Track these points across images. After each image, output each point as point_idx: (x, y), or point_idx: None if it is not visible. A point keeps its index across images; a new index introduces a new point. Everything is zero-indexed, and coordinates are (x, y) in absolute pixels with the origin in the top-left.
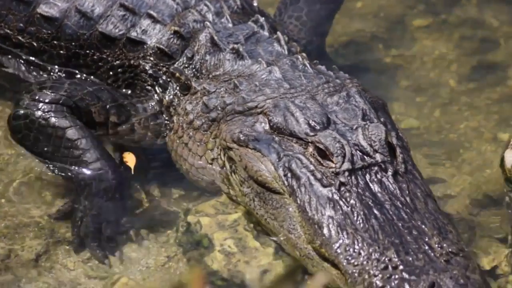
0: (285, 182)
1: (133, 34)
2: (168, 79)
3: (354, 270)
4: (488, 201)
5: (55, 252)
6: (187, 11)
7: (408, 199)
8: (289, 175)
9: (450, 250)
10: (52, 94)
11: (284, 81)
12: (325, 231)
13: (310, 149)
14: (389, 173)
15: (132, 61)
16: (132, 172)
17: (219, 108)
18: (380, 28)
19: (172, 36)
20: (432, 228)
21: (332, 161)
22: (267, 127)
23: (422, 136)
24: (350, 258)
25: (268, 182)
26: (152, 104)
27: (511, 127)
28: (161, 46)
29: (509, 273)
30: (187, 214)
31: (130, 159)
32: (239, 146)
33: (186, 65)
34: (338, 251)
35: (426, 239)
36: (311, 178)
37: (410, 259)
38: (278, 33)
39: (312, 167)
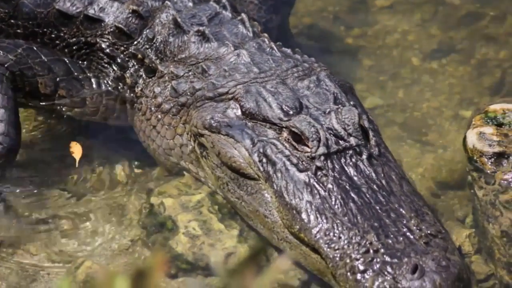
0: (261, 168)
1: (90, 11)
2: (127, 59)
3: (335, 255)
4: (451, 181)
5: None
6: None
7: (384, 182)
8: (264, 160)
9: (428, 232)
10: (2, 55)
11: (253, 65)
12: (304, 216)
13: (285, 134)
14: (364, 156)
15: (89, 39)
16: (77, 165)
17: (189, 93)
18: (343, 8)
19: (130, 15)
20: (409, 211)
21: (308, 146)
22: (239, 112)
23: (385, 116)
24: (330, 243)
25: (242, 168)
26: (108, 81)
27: (474, 106)
28: (120, 25)
29: (472, 254)
30: (150, 196)
31: (76, 150)
32: (211, 132)
33: (147, 46)
34: (318, 236)
35: (405, 222)
36: (287, 163)
37: (390, 242)
38: (243, 14)
39: (287, 152)
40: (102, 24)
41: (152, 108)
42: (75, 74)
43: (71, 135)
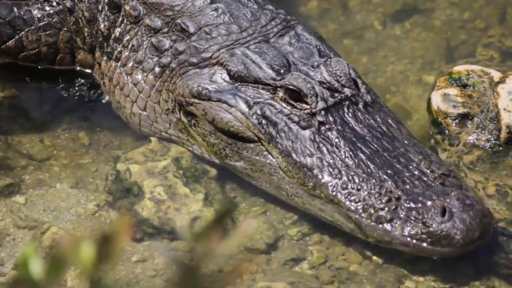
0: (262, 130)
1: None
2: None
3: (358, 207)
4: None
5: None
6: None
7: (384, 128)
8: (264, 122)
9: (441, 172)
10: None
11: (233, 23)
12: (316, 172)
13: (280, 93)
14: (360, 105)
15: None
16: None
17: (170, 54)
18: None
19: None
20: (416, 154)
21: (307, 102)
22: (227, 77)
23: None
24: (350, 196)
25: (241, 132)
26: (50, 11)
27: (436, 70)
28: None
29: None
30: (117, 162)
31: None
32: (201, 100)
33: None
34: (335, 190)
35: (415, 165)
36: (289, 122)
37: (409, 187)
38: None
39: (287, 111)
40: None
41: (132, 63)
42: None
43: (36, 103)
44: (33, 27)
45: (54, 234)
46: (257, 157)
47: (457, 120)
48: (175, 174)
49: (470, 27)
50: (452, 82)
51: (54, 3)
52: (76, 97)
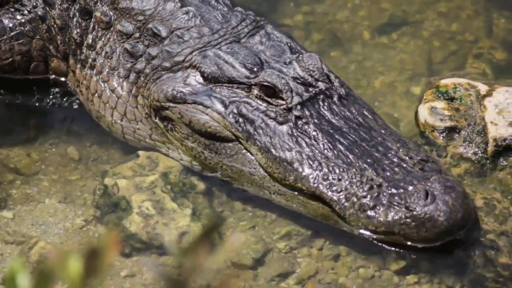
0: (239, 128)
1: None
2: None
3: (341, 197)
4: None
5: None
6: None
7: (360, 119)
8: (240, 120)
9: (419, 158)
10: None
11: (205, 26)
12: (297, 166)
13: (255, 91)
14: (335, 98)
15: None
16: None
17: (144, 60)
18: None
19: None
20: (393, 142)
21: (282, 98)
22: (200, 79)
23: None
24: (331, 186)
25: (218, 131)
26: (22, 20)
27: (424, 81)
28: None
29: None
30: (104, 177)
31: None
32: (176, 103)
33: None
34: (317, 182)
35: (394, 153)
36: (266, 118)
37: (389, 174)
38: None
39: (263, 108)
40: None
41: (107, 70)
42: None
43: (23, 115)
44: (5, 36)
45: (42, 249)
46: (236, 156)
47: (444, 133)
48: (163, 189)
49: (459, 39)
50: (439, 95)
51: (25, 12)
52: (51, 106)
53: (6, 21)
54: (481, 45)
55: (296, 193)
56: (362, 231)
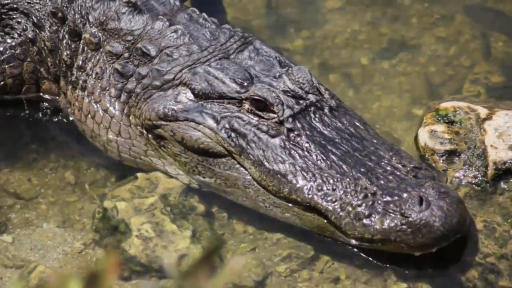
0: (231, 143)
1: None
2: (44, 17)
3: (336, 206)
4: None
5: None
6: None
7: (352, 129)
8: (233, 135)
9: (412, 166)
10: None
11: (194, 44)
12: (291, 178)
13: (246, 105)
14: (326, 110)
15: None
16: None
17: (135, 79)
18: (293, 9)
19: None
20: (386, 151)
21: (273, 111)
22: (191, 96)
23: None
24: (326, 197)
25: (211, 147)
26: (12, 43)
27: (423, 105)
28: None
29: None
30: (103, 200)
31: None
32: (168, 121)
33: (66, 5)
34: (311, 193)
35: (387, 161)
36: (258, 132)
37: (383, 182)
38: None
39: (254, 122)
40: None
41: (99, 91)
42: None
43: (20, 139)
44: None
45: (41, 273)
46: (229, 172)
47: (444, 157)
48: (163, 211)
49: (456, 63)
50: (439, 118)
51: (16, 35)
52: (43, 120)
53: None
54: (478, 69)
55: (291, 205)
56: (356, 241)
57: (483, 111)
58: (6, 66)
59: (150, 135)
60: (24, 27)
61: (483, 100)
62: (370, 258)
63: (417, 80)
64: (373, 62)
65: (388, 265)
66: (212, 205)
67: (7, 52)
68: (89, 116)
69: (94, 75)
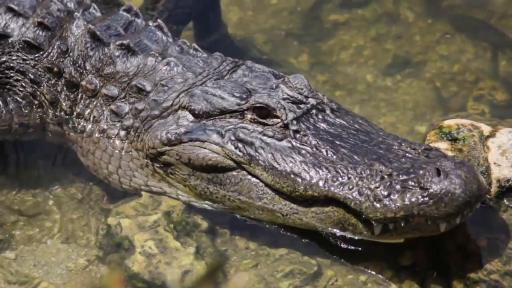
0: (239, 153)
1: None
2: (40, 73)
3: (354, 193)
4: None
5: None
6: (49, 1)
7: (357, 125)
8: (240, 145)
9: (423, 148)
10: None
11: (188, 71)
12: (304, 174)
13: (249, 115)
14: (328, 111)
15: None
16: None
17: (131, 115)
18: (297, 24)
19: (37, 28)
20: (394, 139)
21: (277, 116)
22: (192, 118)
23: None
24: (343, 185)
25: (219, 162)
26: (16, 97)
27: (427, 121)
28: (27, 39)
29: (427, 269)
30: (107, 216)
31: None
32: (172, 146)
33: (62, 59)
34: (327, 185)
35: (396, 147)
36: (264, 138)
37: (397, 164)
38: (159, 20)
39: (260, 129)
40: (9, 40)
41: (98, 134)
42: None
43: (25, 156)
44: (4, 110)
45: None
46: (241, 183)
47: None
48: (166, 228)
49: (460, 79)
50: (443, 136)
51: (18, 91)
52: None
53: (2, 97)
54: (482, 86)
55: (307, 208)
56: (379, 223)
57: (486, 129)
58: (14, 115)
59: (156, 165)
60: (23, 84)
61: (487, 117)
62: (373, 273)
63: (421, 96)
64: (378, 78)
65: (394, 282)
66: (215, 222)
67: (14, 105)
68: (89, 153)
69: (91, 119)
